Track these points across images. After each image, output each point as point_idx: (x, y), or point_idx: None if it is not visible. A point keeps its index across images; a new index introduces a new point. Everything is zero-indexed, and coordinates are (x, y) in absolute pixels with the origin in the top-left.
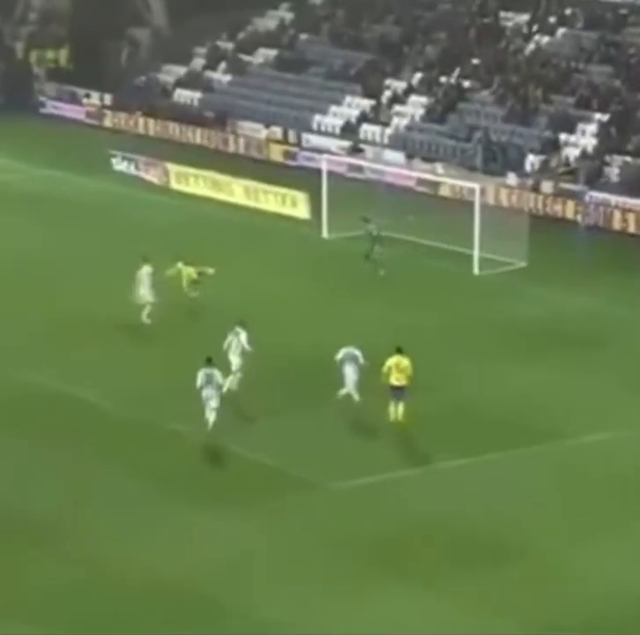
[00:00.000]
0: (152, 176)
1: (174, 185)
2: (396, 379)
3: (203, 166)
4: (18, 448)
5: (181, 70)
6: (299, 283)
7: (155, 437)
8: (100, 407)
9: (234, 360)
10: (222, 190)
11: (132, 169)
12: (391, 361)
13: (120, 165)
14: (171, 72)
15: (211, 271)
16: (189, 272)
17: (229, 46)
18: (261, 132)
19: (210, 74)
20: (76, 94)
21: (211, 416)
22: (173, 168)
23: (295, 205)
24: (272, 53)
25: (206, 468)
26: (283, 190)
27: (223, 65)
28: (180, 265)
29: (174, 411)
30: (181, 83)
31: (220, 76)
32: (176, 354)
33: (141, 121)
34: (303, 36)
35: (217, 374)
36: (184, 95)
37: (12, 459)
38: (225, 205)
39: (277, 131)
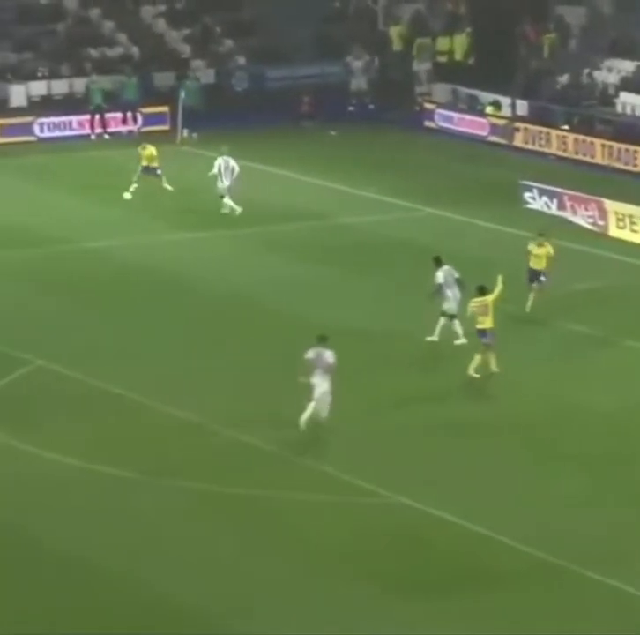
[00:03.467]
0: (581, 219)
1: (614, 232)
2: None
3: None
4: None
5: (629, 67)
6: None
7: None
8: None
9: None
10: None
11: (554, 208)
12: None
13: (536, 202)
14: (614, 69)
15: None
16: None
17: None
18: None
19: None
20: (477, 101)
21: None
22: (613, 207)
23: None
24: None
25: None
26: None
27: None
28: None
29: None
30: (628, 85)
31: None
32: None
33: (569, 139)
34: None
35: None
36: (633, 102)
37: None
38: None
39: None
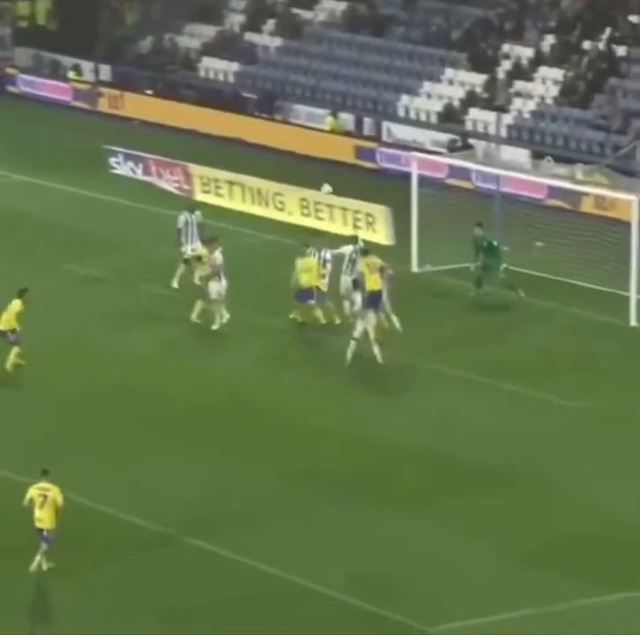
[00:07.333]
0: (167, 183)
1: (200, 196)
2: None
3: (240, 169)
4: None
5: (210, 32)
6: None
7: None
8: None
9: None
10: (268, 203)
11: (140, 173)
12: None
13: (122, 167)
14: (196, 34)
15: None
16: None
17: None
18: (324, 121)
19: (251, 37)
20: (59, 66)
21: None
22: (198, 171)
23: (372, 225)
24: (341, 6)
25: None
26: (355, 204)
27: (270, 24)
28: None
29: None
30: (210, 49)
31: (267, 39)
32: None
33: (153, 104)
34: None
35: None
36: (215, 67)
37: None
38: (271, 225)
39: (347, 119)
